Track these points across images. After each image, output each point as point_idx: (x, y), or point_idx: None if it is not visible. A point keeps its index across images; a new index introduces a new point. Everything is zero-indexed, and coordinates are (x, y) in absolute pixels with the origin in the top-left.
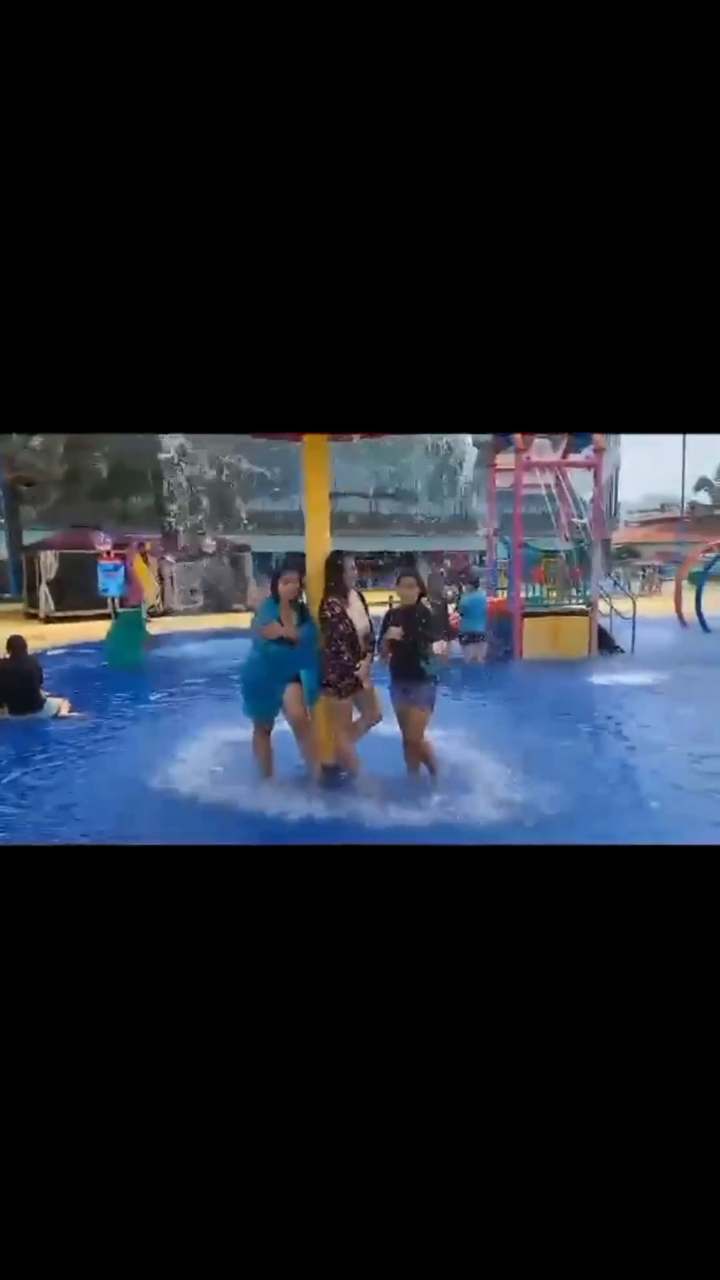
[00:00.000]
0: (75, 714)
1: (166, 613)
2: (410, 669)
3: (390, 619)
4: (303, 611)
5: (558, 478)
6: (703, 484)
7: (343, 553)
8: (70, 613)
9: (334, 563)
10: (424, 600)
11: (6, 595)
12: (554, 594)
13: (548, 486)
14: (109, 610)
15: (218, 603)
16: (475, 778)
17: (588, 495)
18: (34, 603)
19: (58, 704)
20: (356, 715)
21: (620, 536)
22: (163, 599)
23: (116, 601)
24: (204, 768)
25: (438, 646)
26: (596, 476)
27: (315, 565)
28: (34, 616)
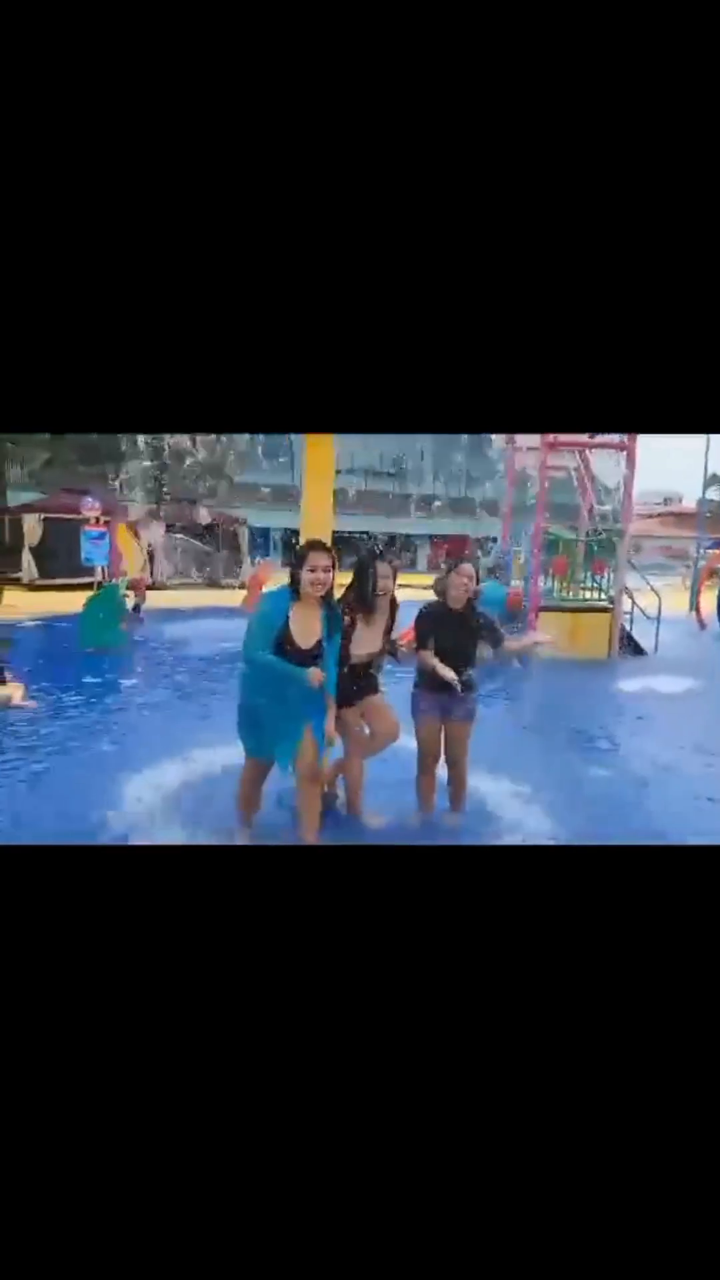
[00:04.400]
0: (28, 703)
1: (153, 587)
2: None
3: (431, 621)
4: (331, 615)
5: (584, 460)
6: (714, 480)
7: (380, 555)
8: (55, 581)
9: (364, 568)
10: (473, 600)
11: None
12: (569, 587)
13: (576, 469)
14: (98, 580)
15: (209, 579)
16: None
17: (609, 482)
18: (14, 567)
19: (8, 692)
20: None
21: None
22: (151, 573)
23: (105, 572)
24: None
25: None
26: (630, 460)
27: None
28: (15, 582)
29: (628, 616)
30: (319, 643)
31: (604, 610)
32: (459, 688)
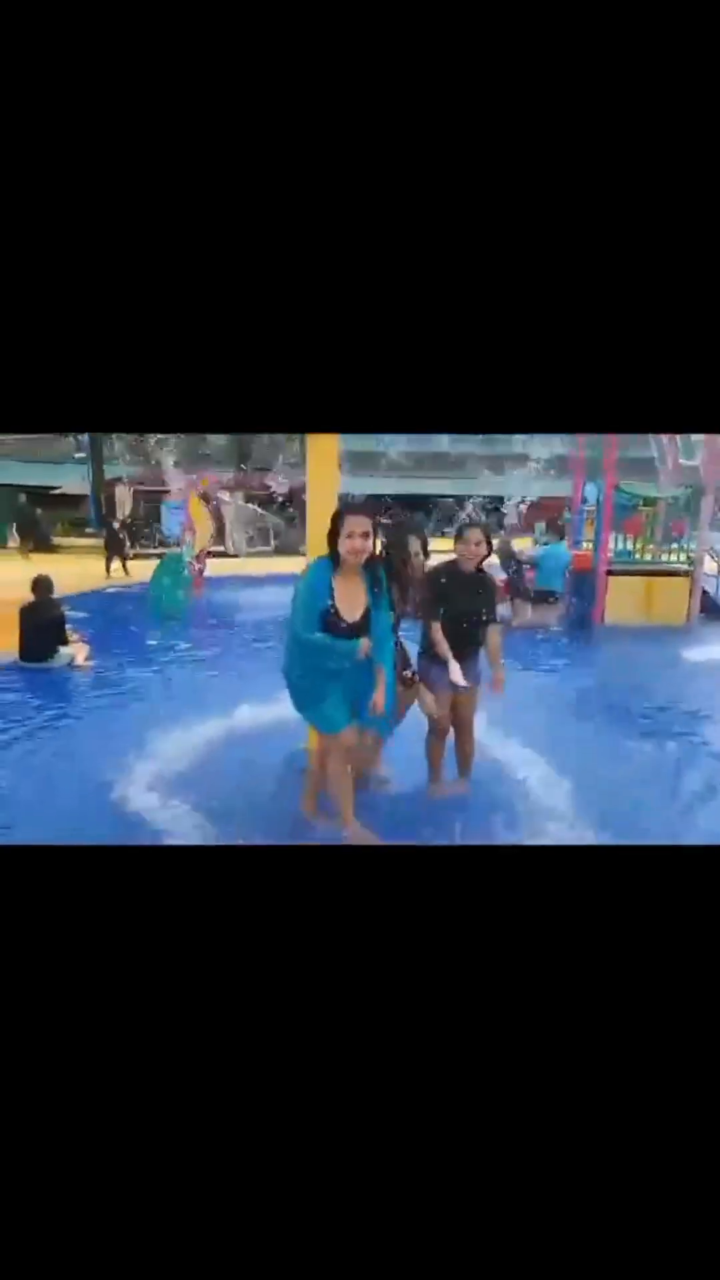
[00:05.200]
0: (90, 663)
1: (224, 554)
2: (465, 644)
3: (441, 586)
4: (376, 583)
5: None
6: None
7: (414, 529)
8: (145, 550)
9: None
10: (484, 565)
11: (90, 530)
12: (648, 549)
13: None
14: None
15: (283, 547)
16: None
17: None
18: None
19: (71, 653)
20: None
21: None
22: (223, 541)
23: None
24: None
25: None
26: None
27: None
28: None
29: (712, 580)
30: (365, 614)
31: (682, 574)
32: (462, 683)
